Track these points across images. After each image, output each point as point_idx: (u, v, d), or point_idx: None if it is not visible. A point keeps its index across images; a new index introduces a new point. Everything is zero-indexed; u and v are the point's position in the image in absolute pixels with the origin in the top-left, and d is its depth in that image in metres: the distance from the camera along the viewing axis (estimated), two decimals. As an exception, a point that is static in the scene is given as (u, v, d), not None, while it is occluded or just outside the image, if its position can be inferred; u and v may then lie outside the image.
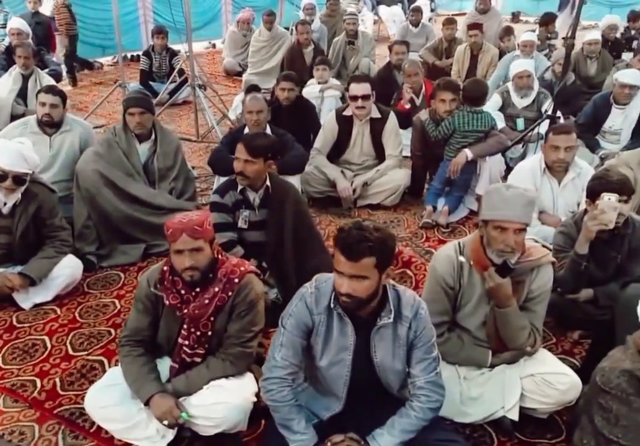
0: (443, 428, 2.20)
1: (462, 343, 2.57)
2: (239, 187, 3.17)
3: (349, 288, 1.94)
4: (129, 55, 9.04)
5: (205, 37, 10.21)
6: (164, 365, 2.47)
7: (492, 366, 2.54)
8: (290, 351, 2.11)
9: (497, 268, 2.38)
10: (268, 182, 3.17)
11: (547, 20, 8.02)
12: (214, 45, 10.37)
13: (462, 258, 2.47)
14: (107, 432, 2.39)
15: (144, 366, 2.37)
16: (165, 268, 2.39)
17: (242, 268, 2.41)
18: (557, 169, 3.51)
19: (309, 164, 4.41)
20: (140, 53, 7.70)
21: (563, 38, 7.16)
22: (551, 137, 3.45)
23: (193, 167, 5.07)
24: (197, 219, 2.30)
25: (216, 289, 2.34)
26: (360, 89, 4.13)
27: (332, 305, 2.07)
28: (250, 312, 2.37)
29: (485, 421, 2.47)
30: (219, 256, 2.41)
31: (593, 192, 2.82)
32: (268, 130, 4.09)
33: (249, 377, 2.40)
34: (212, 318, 2.36)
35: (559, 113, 4.79)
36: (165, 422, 2.25)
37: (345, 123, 4.31)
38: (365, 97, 4.14)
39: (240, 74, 8.07)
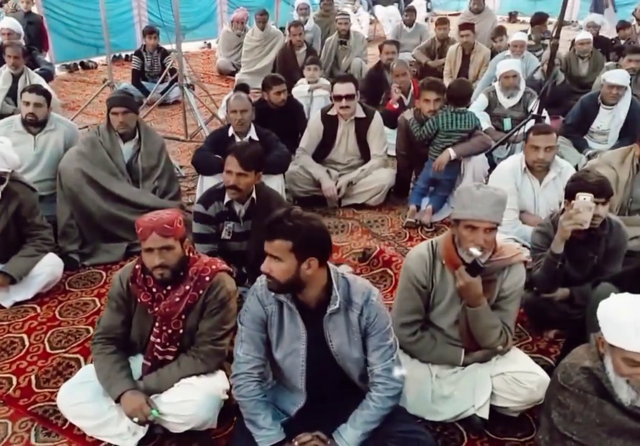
0: (405, 420, 2.21)
1: (435, 342, 2.58)
2: (226, 199, 3.12)
3: (266, 267, 1.99)
4: (123, 54, 9.08)
5: (201, 36, 10.23)
6: (137, 362, 2.48)
7: (465, 364, 2.55)
8: (251, 345, 2.13)
9: (467, 267, 2.39)
10: (254, 194, 3.13)
11: (538, 20, 8.02)
12: (209, 45, 10.38)
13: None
14: (79, 429, 2.41)
15: (115, 364, 2.38)
16: (137, 266, 2.41)
17: (214, 267, 2.42)
18: (537, 169, 3.52)
19: (295, 164, 4.43)
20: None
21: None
22: (531, 137, 3.46)
23: (181, 167, 5.10)
24: (167, 218, 2.31)
25: (187, 287, 2.36)
26: (344, 88, 4.14)
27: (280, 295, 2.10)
28: (221, 310, 2.39)
29: (456, 419, 2.48)
30: (191, 254, 2.42)
31: (571, 193, 2.82)
32: (252, 130, 4.12)
33: (220, 375, 2.42)
34: (183, 316, 2.38)
35: (544, 113, 4.79)
36: (136, 419, 2.26)
37: (330, 123, 4.32)
38: (349, 97, 4.15)
39: (233, 73, 8.08)
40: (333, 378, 2.20)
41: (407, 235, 4.06)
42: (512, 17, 13.74)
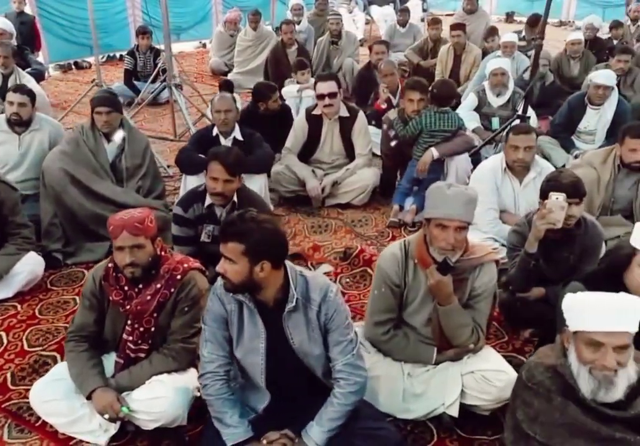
0: (372, 417, 2.23)
1: (408, 341, 2.60)
2: (207, 202, 3.12)
3: (221, 268, 2.01)
4: (117, 54, 9.10)
5: (196, 37, 10.26)
6: (110, 360, 2.50)
7: (437, 363, 2.56)
8: (215, 345, 2.15)
9: (438, 266, 2.41)
10: (235, 197, 3.12)
11: (534, 21, 8.03)
12: (204, 45, 10.40)
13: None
14: (51, 426, 2.42)
15: (88, 362, 2.40)
16: (109, 264, 2.43)
17: (185, 265, 2.44)
18: (517, 169, 3.53)
19: (280, 163, 4.44)
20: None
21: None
22: (511, 137, 3.48)
23: (169, 166, 5.12)
24: (138, 216, 2.34)
25: (158, 285, 2.38)
26: (326, 87, 4.15)
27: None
28: (193, 308, 2.40)
29: (427, 417, 2.49)
30: (163, 253, 2.44)
31: (545, 192, 2.83)
32: (237, 130, 4.14)
33: (191, 372, 2.43)
34: (155, 314, 2.40)
35: (530, 113, 4.80)
36: (106, 416, 2.28)
37: (315, 122, 4.34)
38: (331, 95, 4.16)
39: (226, 73, 8.10)
40: (298, 375, 2.21)
41: (390, 235, 4.07)
42: (509, 17, 13.74)
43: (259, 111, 4.69)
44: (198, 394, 2.36)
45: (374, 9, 11.83)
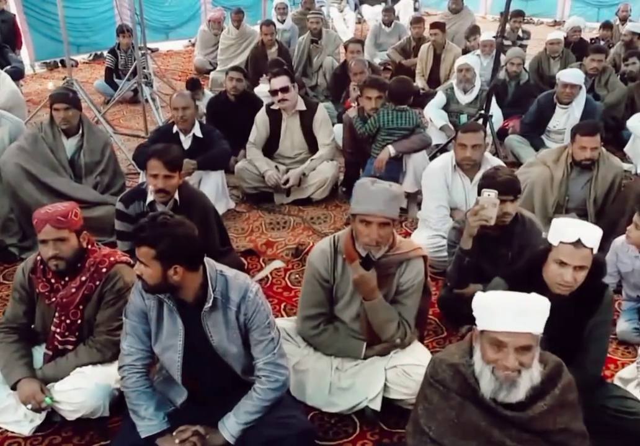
0: (284, 406, 2.24)
1: (338, 335, 2.62)
2: (148, 199, 3.14)
3: (137, 269, 2.05)
4: (104, 53, 9.13)
5: (185, 36, 10.31)
6: (41, 352, 2.54)
7: (366, 357, 2.59)
8: (134, 338, 2.18)
9: (361, 261, 2.43)
10: (176, 195, 3.13)
11: (515, 14, 8.10)
12: (193, 44, 10.42)
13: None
14: (-24, 416, 2.46)
15: (15, 353, 2.44)
16: (38, 257, 2.47)
17: (112, 258, 2.48)
18: (466, 167, 3.54)
19: (245, 159, 4.47)
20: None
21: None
22: (459, 135, 3.49)
23: (137, 163, 5.14)
24: (62, 210, 2.37)
25: (83, 278, 2.41)
26: (277, 82, 4.18)
27: None
28: (118, 301, 2.44)
29: (352, 411, 2.52)
30: (89, 246, 2.47)
31: (479, 189, 2.86)
32: (197, 127, 4.17)
33: (116, 365, 2.45)
34: (80, 307, 2.44)
35: (495, 112, 4.81)
36: (29, 406, 2.32)
37: (274, 117, 4.37)
38: (284, 90, 4.18)
39: (210, 72, 8.13)
40: (217, 372, 2.23)
41: (347, 232, 4.09)
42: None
43: (226, 99, 4.82)
44: (118, 386, 2.39)
45: (365, 8, 11.85)
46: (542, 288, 2.27)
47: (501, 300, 1.85)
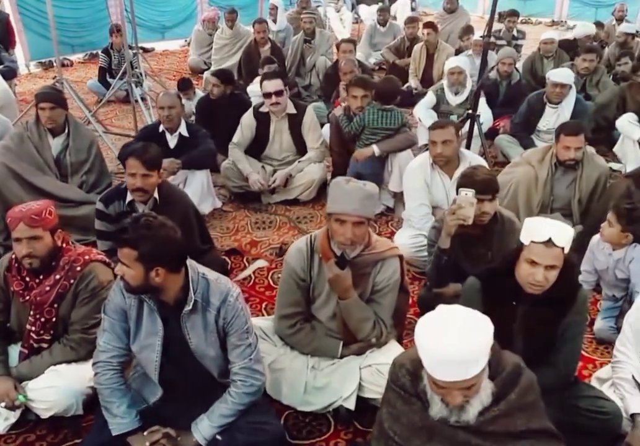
0: (258, 411, 2.24)
1: (315, 334, 2.62)
2: (128, 199, 3.13)
3: (119, 270, 2.04)
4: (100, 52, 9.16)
5: (181, 35, 10.30)
6: (17, 350, 2.54)
7: (343, 357, 2.58)
8: (112, 335, 2.18)
9: (336, 260, 2.43)
10: (156, 194, 3.13)
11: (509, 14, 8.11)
12: (189, 44, 10.44)
13: None
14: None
15: (-10, 351, 2.45)
16: (13, 255, 2.47)
17: (87, 257, 2.48)
18: (439, 163, 3.53)
19: (228, 159, 4.47)
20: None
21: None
22: (429, 132, 3.49)
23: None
24: (36, 209, 2.37)
25: (57, 276, 2.42)
26: (271, 85, 4.17)
27: None
28: (92, 299, 2.44)
29: (327, 410, 2.52)
30: (64, 245, 2.47)
31: (457, 188, 2.85)
32: (183, 126, 4.17)
33: (90, 363, 2.46)
34: (55, 305, 2.44)
35: (484, 112, 4.80)
36: (3, 404, 2.33)
37: (262, 120, 4.36)
38: (278, 93, 4.18)
39: (205, 71, 8.13)
40: (193, 374, 2.23)
41: (332, 231, 4.09)
42: (501, 18, 13.65)
43: (213, 99, 4.88)
44: (92, 384, 2.39)
45: (362, 8, 11.84)
46: (515, 288, 2.28)
47: (438, 354, 1.66)
